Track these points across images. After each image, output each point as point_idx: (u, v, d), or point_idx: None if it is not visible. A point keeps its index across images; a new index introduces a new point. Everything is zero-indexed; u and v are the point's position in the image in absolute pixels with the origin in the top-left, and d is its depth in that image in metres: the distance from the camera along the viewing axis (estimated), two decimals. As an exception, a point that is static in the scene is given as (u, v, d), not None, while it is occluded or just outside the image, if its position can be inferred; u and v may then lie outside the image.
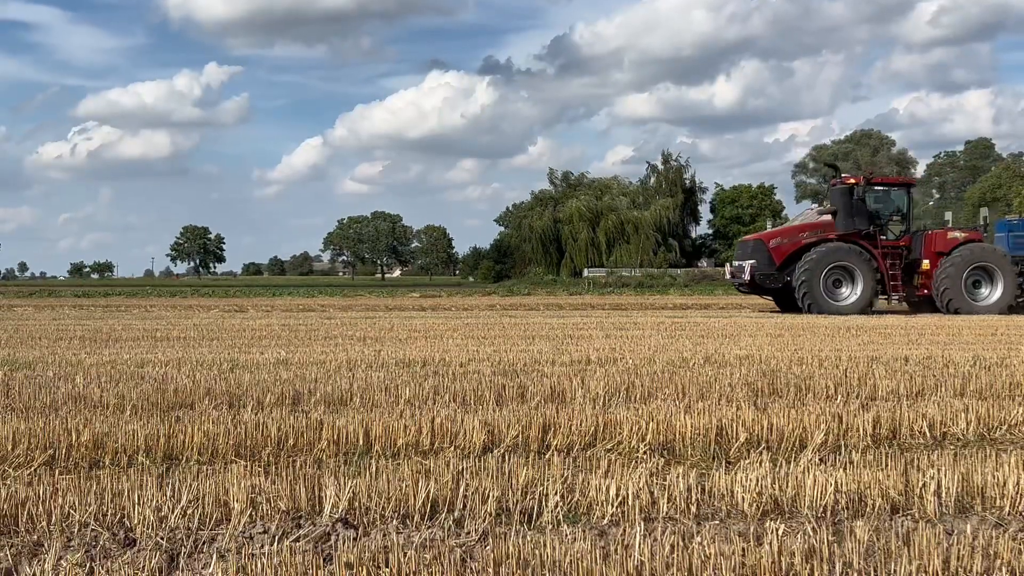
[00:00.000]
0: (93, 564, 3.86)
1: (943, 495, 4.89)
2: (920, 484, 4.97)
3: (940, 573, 3.76)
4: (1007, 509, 4.82)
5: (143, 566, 3.81)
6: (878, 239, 27.01)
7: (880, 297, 27.23)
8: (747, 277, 27.40)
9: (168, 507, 4.52)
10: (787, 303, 27.80)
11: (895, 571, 3.72)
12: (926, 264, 26.89)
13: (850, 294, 26.51)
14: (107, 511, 4.55)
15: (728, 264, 30.23)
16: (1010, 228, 28.86)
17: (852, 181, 27.70)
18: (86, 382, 8.80)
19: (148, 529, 4.30)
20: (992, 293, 26.77)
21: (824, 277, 26.32)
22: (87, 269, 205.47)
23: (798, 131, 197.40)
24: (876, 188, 28.00)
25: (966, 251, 26.73)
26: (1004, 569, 3.81)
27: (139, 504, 4.51)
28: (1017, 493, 4.91)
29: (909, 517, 4.64)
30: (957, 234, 27.43)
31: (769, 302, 30.16)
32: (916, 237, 27.54)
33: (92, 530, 4.31)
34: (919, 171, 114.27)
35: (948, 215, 32.79)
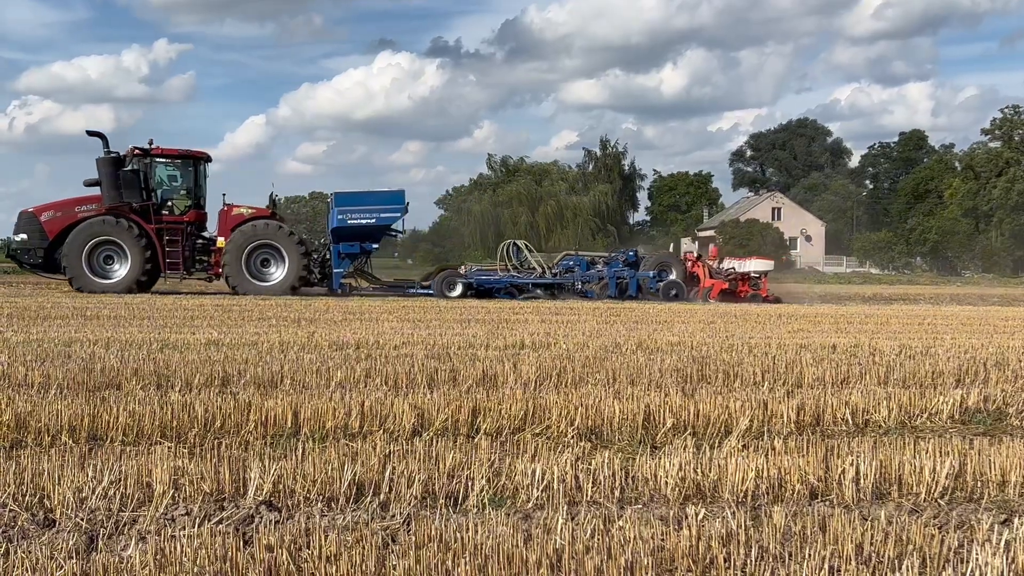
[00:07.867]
0: (10, 545, 3.81)
1: (861, 481, 4.99)
2: (839, 470, 5.07)
3: (853, 558, 3.84)
4: (923, 496, 4.93)
5: (61, 547, 3.77)
6: (153, 214, 25.47)
7: (160, 275, 25.95)
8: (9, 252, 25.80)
9: (89, 488, 4.48)
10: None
11: (810, 555, 3.80)
12: (221, 241, 25.85)
13: (119, 270, 25.03)
14: (27, 492, 4.50)
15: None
16: (338, 203, 27.11)
17: (129, 152, 25.81)
18: (11, 360, 8.64)
19: (68, 510, 4.25)
20: (278, 272, 25.81)
21: (90, 253, 24.70)
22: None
23: (742, 120, 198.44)
24: (158, 160, 26.14)
25: (248, 228, 25.76)
26: (916, 555, 3.89)
27: (60, 485, 4.46)
28: (933, 480, 5.03)
29: (827, 503, 4.73)
30: (243, 210, 26.28)
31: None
32: (221, 214, 26.36)
33: (10, 511, 4.26)
34: (854, 161, 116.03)
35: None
